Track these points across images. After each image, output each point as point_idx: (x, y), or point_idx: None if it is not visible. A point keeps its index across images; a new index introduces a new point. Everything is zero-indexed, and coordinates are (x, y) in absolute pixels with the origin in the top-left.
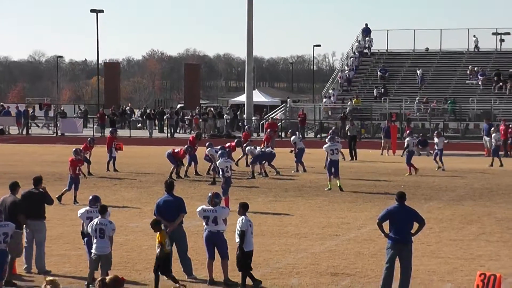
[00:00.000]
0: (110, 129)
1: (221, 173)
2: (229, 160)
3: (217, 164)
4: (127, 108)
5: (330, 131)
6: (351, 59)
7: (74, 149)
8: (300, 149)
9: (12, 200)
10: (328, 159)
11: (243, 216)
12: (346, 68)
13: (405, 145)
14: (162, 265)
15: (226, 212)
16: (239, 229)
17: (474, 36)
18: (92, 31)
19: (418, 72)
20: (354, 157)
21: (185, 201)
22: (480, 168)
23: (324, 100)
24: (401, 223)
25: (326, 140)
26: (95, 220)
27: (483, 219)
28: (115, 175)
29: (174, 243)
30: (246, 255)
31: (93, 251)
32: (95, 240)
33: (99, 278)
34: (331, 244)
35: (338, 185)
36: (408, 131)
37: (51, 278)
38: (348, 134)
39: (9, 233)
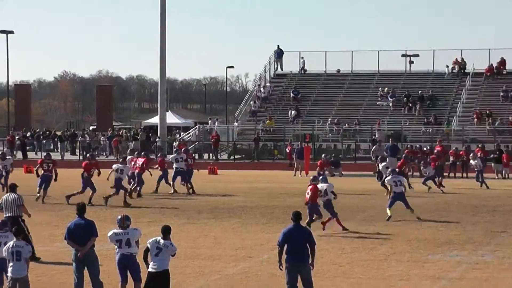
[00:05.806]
0: (142, 152)
1: None
2: None
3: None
4: (39, 130)
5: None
6: (262, 82)
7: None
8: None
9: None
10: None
11: None
12: (261, 90)
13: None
14: None
15: (138, 233)
16: None
17: None
18: (2, 53)
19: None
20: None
21: (97, 224)
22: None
23: (236, 123)
24: (297, 242)
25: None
26: (10, 243)
27: (393, 239)
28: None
29: (86, 267)
30: None
31: (9, 274)
32: (11, 264)
33: None
34: (244, 266)
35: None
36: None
37: None
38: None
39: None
